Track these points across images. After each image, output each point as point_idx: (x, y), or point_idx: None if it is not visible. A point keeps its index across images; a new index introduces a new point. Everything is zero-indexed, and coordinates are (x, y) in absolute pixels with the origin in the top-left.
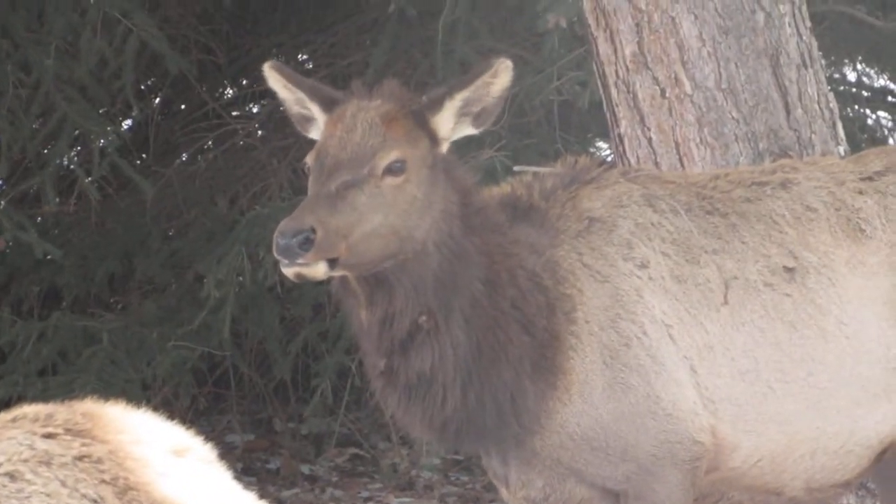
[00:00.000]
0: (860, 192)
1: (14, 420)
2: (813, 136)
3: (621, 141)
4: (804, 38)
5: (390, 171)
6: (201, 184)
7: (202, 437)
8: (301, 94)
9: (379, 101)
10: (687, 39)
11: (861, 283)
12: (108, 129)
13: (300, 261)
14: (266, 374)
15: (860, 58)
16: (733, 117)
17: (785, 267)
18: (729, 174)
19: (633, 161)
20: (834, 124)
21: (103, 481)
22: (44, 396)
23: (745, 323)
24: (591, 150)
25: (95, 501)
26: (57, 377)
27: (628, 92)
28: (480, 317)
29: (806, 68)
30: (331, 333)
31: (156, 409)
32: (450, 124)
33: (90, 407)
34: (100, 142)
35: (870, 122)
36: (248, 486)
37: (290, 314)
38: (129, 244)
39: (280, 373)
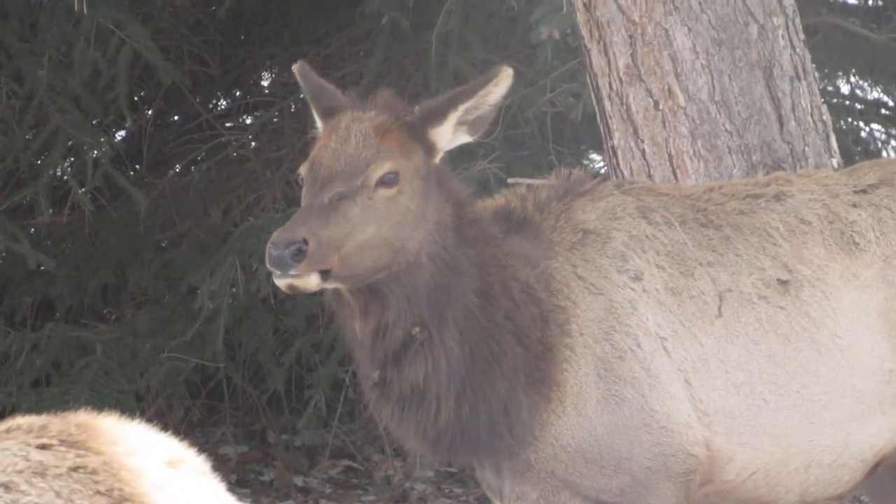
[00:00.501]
0: (854, 205)
1: (8, 431)
2: (806, 148)
3: (615, 153)
4: (798, 50)
5: (383, 182)
6: (195, 195)
7: (196, 449)
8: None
9: (373, 112)
10: (680, 52)
11: (855, 296)
12: (102, 140)
13: (292, 272)
14: (259, 386)
15: (854, 70)
16: (727, 129)
17: (779, 280)
18: (723, 186)
19: (626, 173)
20: (827, 137)
21: (98, 492)
22: (38, 407)
23: (739, 336)
24: (585, 162)
25: None
26: (51, 388)
27: (622, 104)
28: (474, 328)
29: (799, 80)
30: (324, 345)
31: (149, 420)
32: (449, 135)
33: (84, 418)
34: (93, 153)
35: (863, 134)
36: (241, 497)
37: (283, 326)
38: (123, 255)
39: (274, 384)
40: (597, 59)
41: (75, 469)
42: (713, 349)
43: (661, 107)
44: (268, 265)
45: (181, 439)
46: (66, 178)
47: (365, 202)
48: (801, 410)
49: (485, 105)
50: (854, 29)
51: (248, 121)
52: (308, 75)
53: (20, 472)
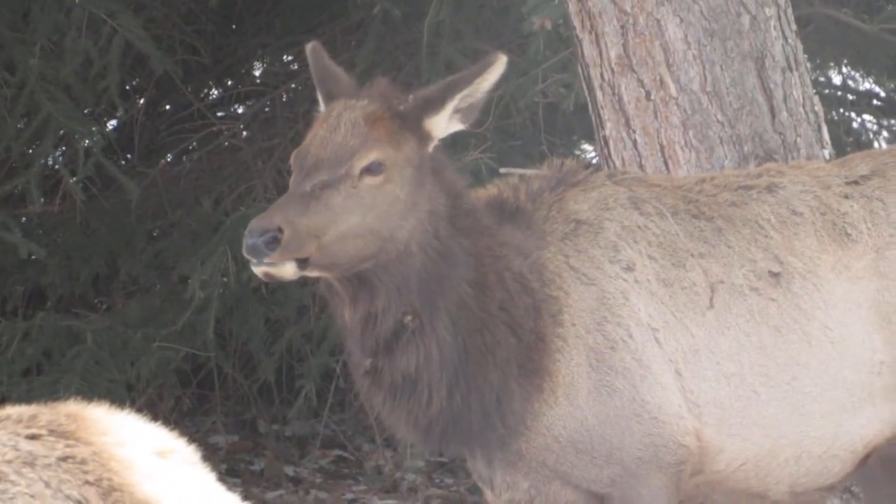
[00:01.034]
0: (846, 197)
1: None
2: (798, 139)
3: (606, 143)
4: (790, 40)
5: (369, 171)
6: (186, 184)
7: (186, 439)
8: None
9: (366, 100)
10: (672, 42)
11: (846, 288)
12: (93, 129)
13: (266, 260)
14: (250, 376)
15: (845, 61)
16: (718, 120)
17: (770, 272)
18: (715, 178)
19: (617, 163)
20: (819, 127)
21: (87, 482)
22: (28, 397)
23: (730, 327)
24: (577, 152)
25: (79, 502)
26: (41, 377)
27: (613, 94)
28: (467, 318)
29: (791, 71)
30: (315, 335)
31: (140, 409)
32: (445, 123)
33: (74, 408)
34: (85, 142)
35: (855, 125)
36: (232, 487)
37: (274, 315)
38: (114, 244)
39: (264, 374)
40: (588, 50)
41: (64, 459)
42: (704, 340)
43: (652, 97)
44: (244, 253)
45: (171, 429)
46: (57, 167)
47: (349, 191)
48: (791, 402)
49: (478, 93)
50: (846, 20)
51: (240, 110)
52: (319, 57)
53: (9, 461)
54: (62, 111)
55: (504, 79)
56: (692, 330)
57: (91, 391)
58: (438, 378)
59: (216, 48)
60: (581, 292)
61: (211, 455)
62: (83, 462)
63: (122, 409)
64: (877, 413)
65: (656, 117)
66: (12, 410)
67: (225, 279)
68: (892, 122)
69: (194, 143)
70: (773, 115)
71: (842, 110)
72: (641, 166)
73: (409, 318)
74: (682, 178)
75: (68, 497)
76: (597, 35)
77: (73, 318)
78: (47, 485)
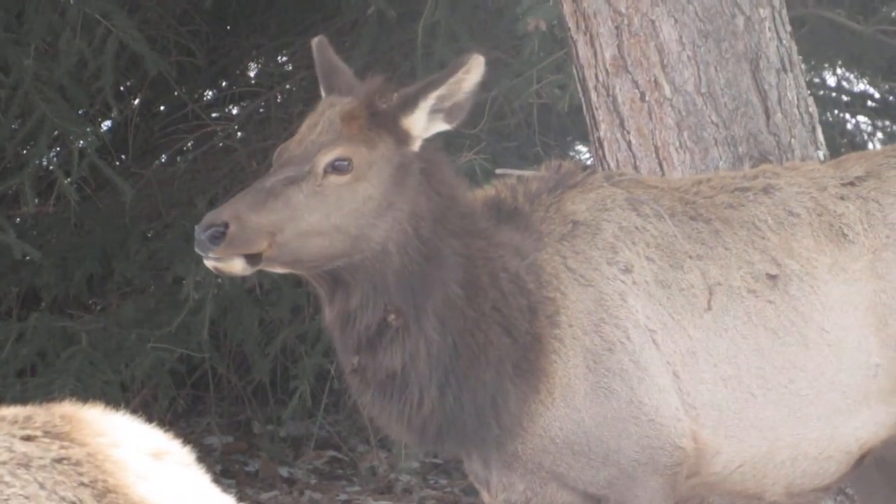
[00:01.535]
0: (842, 198)
1: None
2: (793, 140)
3: (601, 144)
4: (784, 42)
5: (334, 169)
6: (180, 185)
7: (181, 440)
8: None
9: (350, 98)
10: (667, 43)
11: (843, 290)
12: (88, 129)
13: (212, 255)
14: (245, 377)
15: (840, 62)
16: (713, 121)
17: (768, 274)
18: (711, 179)
19: (612, 165)
20: (813, 129)
21: (82, 484)
22: (22, 397)
23: (727, 329)
24: (571, 153)
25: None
26: (36, 378)
27: (608, 95)
28: (457, 318)
29: (786, 72)
30: (309, 336)
31: (135, 410)
32: (423, 123)
33: (68, 409)
34: (79, 143)
35: (849, 126)
36: (226, 488)
37: (268, 316)
38: (109, 245)
39: (259, 375)
40: (583, 51)
41: (59, 460)
42: (702, 342)
43: (647, 98)
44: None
45: (166, 430)
46: (51, 168)
47: (312, 188)
48: (788, 404)
49: (459, 93)
50: (840, 21)
51: (235, 111)
52: (324, 52)
53: (4, 463)
54: (56, 112)
55: (498, 80)
56: (690, 332)
57: (86, 392)
58: (428, 377)
59: (210, 49)
60: (578, 293)
61: (205, 456)
62: (78, 463)
63: (117, 410)
64: (872, 415)
65: (651, 118)
66: (7, 411)
67: (219, 280)
68: (887, 123)
69: (189, 144)
70: (768, 117)
71: (836, 111)
72: (636, 167)
73: (392, 316)
74: (678, 179)
75: (63, 499)
76: (591, 36)
77: (67, 319)
78: (42, 486)
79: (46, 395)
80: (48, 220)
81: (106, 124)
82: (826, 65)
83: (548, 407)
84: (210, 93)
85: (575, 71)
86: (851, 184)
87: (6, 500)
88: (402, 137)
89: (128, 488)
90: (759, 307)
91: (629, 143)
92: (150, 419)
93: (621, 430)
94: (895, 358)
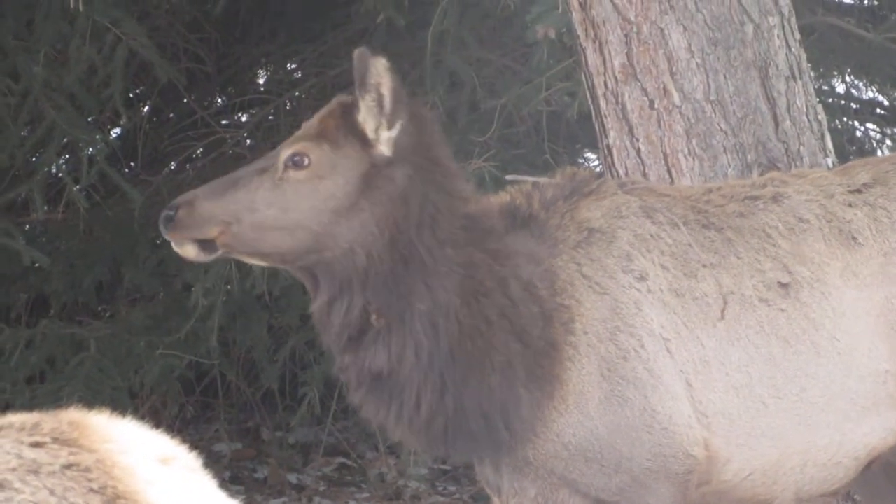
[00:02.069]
0: (850, 205)
1: (0, 429)
2: (801, 148)
3: (610, 152)
4: (793, 49)
5: (293, 164)
6: None
7: (189, 446)
8: None
9: (350, 97)
10: (676, 51)
11: (854, 296)
12: (97, 137)
13: (166, 237)
14: (254, 383)
15: (849, 70)
16: (721, 129)
17: (779, 282)
18: (721, 188)
19: (621, 172)
20: (822, 136)
21: (91, 490)
22: (31, 404)
23: (740, 338)
24: (580, 160)
25: None
26: (45, 385)
27: (617, 103)
28: (453, 324)
29: (795, 80)
30: (318, 342)
31: (143, 417)
32: (372, 125)
33: (76, 416)
34: (88, 150)
35: (858, 134)
36: (235, 494)
37: (277, 323)
38: (118, 252)
39: (268, 381)
40: (592, 58)
41: (68, 467)
42: (714, 351)
43: (656, 106)
44: None
45: (175, 436)
46: (61, 175)
47: (274, 181)
48: (798, 413)
49: (384, 97)
50: (850, 28)
51: (244, 118)
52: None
53: (13, 469)
54: (66, 119)
55: (507, 87)
56: (703, 341)
57: (94, 399)
58: (422, 380)
59: (220, 56)
60: (594, 301)
61: (214, 462)
62: (87, 469)
63: (126, 416)
64: (881, 422)
65: (660, 126)
66: (15, 418)
67: (228, 287)
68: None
69: (198, 152)
70: (777, 124)
71: (845, 119)
72: (645, 175)
73: (374, 317)
74: (688, 188)
75: None
76: (600, 44)
77: (76, 326)
78: (52, 492)
79: (55, 401)
80: (57, 227)
81: (115, 131)
82: (835, 72)
83: (561, 413)
84: (219, 100)
85: (584, 78)
86: (858, 191)
87: None
88: (367, 141)
89: (137, 494)
90: (772, 316)
91: (638, 151)
92: (158, 426)
93: (634, 438)
94: None
